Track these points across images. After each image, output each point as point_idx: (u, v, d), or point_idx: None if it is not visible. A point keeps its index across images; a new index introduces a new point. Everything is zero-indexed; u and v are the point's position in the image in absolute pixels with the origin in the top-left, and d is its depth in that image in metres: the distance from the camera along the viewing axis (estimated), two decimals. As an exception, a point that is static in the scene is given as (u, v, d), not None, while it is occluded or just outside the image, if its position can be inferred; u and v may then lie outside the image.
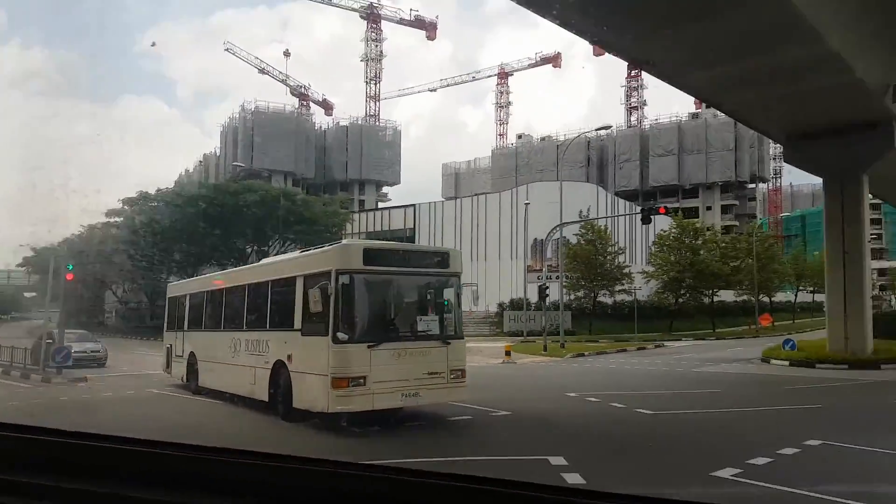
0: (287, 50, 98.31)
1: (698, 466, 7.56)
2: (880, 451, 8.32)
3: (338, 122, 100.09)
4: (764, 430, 9.70)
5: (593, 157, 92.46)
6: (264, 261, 17.42)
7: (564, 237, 43.58)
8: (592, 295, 38.82)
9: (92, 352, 22.18)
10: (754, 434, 9.37)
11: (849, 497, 6.08)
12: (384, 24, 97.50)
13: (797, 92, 16.56)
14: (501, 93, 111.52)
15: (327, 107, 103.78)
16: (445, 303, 11.02)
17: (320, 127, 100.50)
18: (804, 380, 16.66)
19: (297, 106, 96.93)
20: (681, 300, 40.22)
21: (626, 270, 38.56)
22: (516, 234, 51.67)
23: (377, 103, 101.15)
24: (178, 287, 19.11)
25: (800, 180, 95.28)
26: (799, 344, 21.89)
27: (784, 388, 15.41)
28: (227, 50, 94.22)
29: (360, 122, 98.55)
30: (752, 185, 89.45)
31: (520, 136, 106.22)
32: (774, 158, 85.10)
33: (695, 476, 7.02)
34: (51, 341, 19.31)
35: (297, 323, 10.60)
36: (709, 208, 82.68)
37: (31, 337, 24.59)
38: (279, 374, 10.86)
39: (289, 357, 10.60)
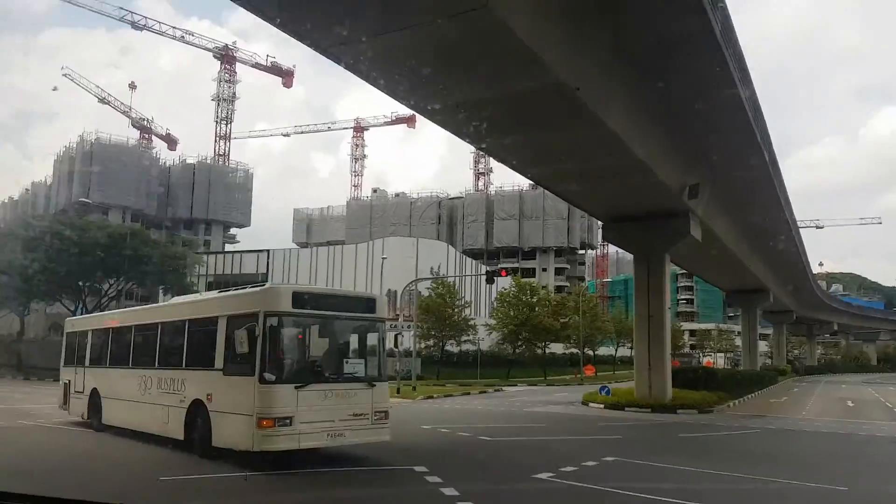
0: (133, 82, 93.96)
1: (524, 471, 10.29)
2: (658, 465, 11.33)
3: (184, 160, 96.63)
4: (574, 451, 12.48)
5: (444, 216, 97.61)
6: (178, 299, 17.36)
7: (418, 291, 46.44)
8: (441, 344, 41.59)
9: None
10: (567, 453, 12.06)
11: (630, 490, 8.74)
12: (238, 66, 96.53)
13: (613, 187, 20.59)
14: (357, 145, 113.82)
15: (171, 141, 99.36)
16: (370, 347, 11.31)
17: (164, 163, 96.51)
18: (613, 418, 20.21)
19: (138, 138, 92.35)
20: (517, 350, 44.35)
21: (472, 322, 42.06)
22: (371, 284, 53.47)
23: (227, 143, 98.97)
24: (80, 322, 18.48)
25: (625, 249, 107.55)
26: (613, 391, 25.79)
27: (595, 424, 18.71)
28: (65, 75, 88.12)
29: (208, 161, 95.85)
30: (582, 252, 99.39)
31: (375, 191, 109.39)
32: (601, 228, 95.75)
33: (521, 477, 9.48)
34: None
35: (219, 362, 10.62)
36: (544, 270, 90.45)
37: None
38: (196, 413, 10.80)
39: (208, 396, 10.61)
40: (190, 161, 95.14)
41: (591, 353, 52.78)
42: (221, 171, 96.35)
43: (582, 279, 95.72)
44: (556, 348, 49.32)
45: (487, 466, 11.12)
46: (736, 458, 12.55)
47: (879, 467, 12.78)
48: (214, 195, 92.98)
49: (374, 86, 13.99)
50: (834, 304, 75.12)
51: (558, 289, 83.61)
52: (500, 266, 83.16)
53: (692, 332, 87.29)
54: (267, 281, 56.57)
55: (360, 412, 10.34)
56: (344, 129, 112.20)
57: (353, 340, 11.40)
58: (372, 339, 11.37)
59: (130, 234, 40.94)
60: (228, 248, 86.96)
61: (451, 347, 42.30)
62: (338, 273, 56.98)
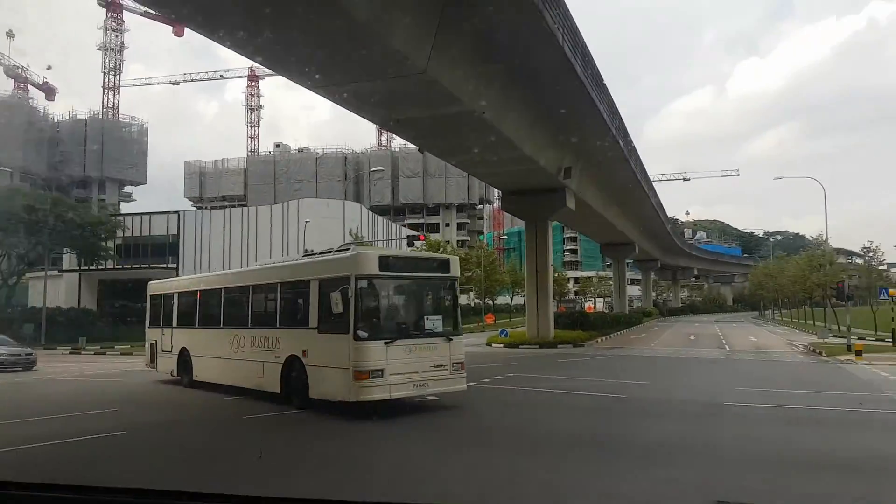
0: (11, 31, 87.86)
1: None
2: (540, 375, 17.25)
3: (75, 115, 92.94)
4: (487, 372, 18.02)
5: (350, 173, 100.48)
6: (268, 262, 18.44)
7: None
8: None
9: (26, 355, 23.50)
10: (482, 373, 17.50)
11: (524, 386, 14.35)
12: (126, 15, 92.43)
13: (510, 171, 26.03)
14: (252, 95, 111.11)
15: (49, 91, 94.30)
16: (446, 304, 12.30)
17: (52, 118, 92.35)
18: (511, 353, 26.34)
19: (12, 88, 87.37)
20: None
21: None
22: (288, 246, 56.44)
23: (116, 95, 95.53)
24: (164, 286, 19.07)
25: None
26: (510, 333, 31.95)
27: (498, 357, 24.59)
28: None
29: (100, 117, 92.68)
30: (481, 206, 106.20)
31: (277, 146, 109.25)
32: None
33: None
34: None
35: (313, 321, 11.51)
36: (447, 225, 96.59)
37: None
38: (292, 368, 11.78)
39: (304, 352, 11.53)
40: (81, 116, 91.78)
41: (490, 302, 59.39)
42: (114, 126, 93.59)
43: (481, 233, 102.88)
44: (461, 299, 55.51)
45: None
46: (589, 371, 18.77)
47: (682, 375, 19.30)
48: (108, 152, 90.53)
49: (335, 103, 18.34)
50: (694, 251, 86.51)
51: (460, 242, 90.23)
52: (406, 222, 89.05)
53: (576, 280, 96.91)
54: (179, 244, 58.06)
55: (440, 364, 11.39)
56: (238, 77, 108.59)
57: (432, 298, 12.43)
58: (447, 296, 12.38)
59: (53, 202, 42.04)
60: (134, 208, 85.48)
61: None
62: (253, 234, 59.12)
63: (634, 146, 32.78)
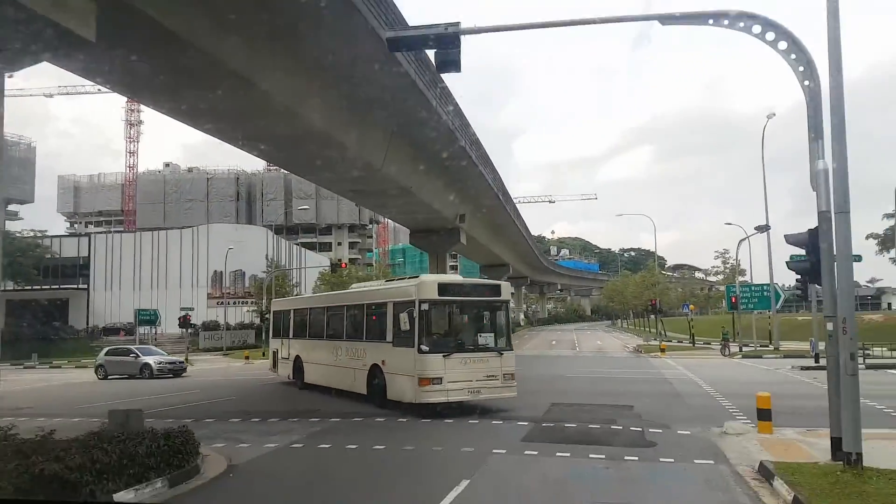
0: None
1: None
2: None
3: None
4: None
5: (242, 193, 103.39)
6: (357, 286, 20.73)
7: (253, 274, 55.99)
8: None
9: (179, 363, 27.62)
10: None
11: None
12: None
13: (418, 216, 34.12)
14: (131, 110, 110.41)
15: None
16: (498, 323, 13.92)
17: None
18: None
19: None
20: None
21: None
22: (198, 267, 60.43)
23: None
24: (283, 303, 22.94)
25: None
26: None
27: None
28: None
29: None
30: (370, 226, 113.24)
31: (167, 165, 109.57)
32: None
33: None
34: (136, 358, 26.05)
35: (389, 336, 13.65)
36: (339, 244, 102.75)
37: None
38: (374, 374, 14.00)
39: (382, 362, 13.74)
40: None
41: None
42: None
43: (370, 251, 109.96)
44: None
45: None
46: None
47: (542, 365, 28.10)
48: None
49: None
50: (557, 269, 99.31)
51: (351, 260, 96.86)
52: (299, 241, 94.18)
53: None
54: (90, 266, 60.17)
55: (492, 374, 13.08)
56: (115, 91, 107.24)
57: (485, 318, 14.11)
58: (499, 316, 14.08)
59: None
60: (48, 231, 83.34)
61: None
62: (163, 258, 62.22)
63: (510, 195, 42.24)
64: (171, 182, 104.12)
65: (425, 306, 12.75)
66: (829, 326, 7.83)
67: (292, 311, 20.55)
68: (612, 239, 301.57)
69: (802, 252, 9.18)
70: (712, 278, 68.86)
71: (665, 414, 12.93)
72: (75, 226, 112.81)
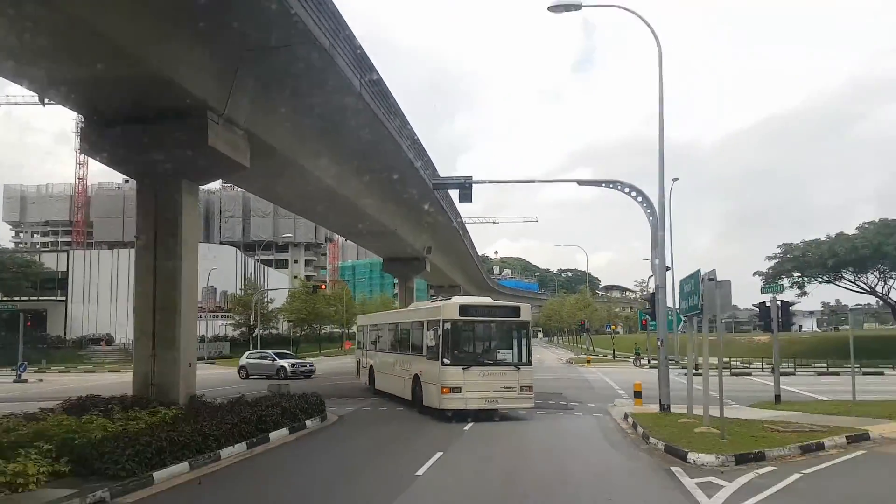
0: None
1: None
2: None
3: None
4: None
5: (200, 210, 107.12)
6: (411, 306, 23.41)
7: (224, 290, 61.36)
8: (250, 330, 57.70)
9: (309, 366, 32.13)
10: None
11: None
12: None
13: (389, 246, 40.89)
14: (80, 120, 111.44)
15: None
16: (516, 340, 15.34)
17: None
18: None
19: None
20: (303, 332, 62.57)
21: (276, 315, 58.84)
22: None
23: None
24: (363, 319, 27.01)
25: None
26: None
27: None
28: None
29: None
30: (324, 244, 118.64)
31: (126, 181, 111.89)
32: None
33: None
34: (272, 361, 31.31)
35: (425, 351, 15.49)
36: (296, 262, 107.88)
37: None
38: (416, 383, 16.02)
39: (420, 372, 15.74)
40: None
41: (348, 331, 73.04)
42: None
43: (324, 268, 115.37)
44: (327, 328, 68.67)
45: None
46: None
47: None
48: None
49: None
50: (500, 289, 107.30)
51: (308, 277, 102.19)
52: (257, 257, 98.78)
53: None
54: (68, 279, 63.75)
55: (510, 386, 14.57)
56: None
57: (504, 336, 15.57)
58: (518, 334, 15.42)
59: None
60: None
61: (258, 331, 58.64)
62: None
63: (466, 228, 49.71)
64: (130, 198, 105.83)
65: (448, 325, 14.65)
66: (659, 343, 15.37)
67: (367, 327, 23.86)
68: (550, 259, 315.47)
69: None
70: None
71: (581, 397, 20.42)
72: (20, 234, 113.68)
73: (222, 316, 62.62)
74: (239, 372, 33.36)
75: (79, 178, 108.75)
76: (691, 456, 10.00)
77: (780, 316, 17.28)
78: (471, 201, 15.64)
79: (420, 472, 9.44)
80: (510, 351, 15.33)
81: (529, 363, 15.24)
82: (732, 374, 30.75)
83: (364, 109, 17.55)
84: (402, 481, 8.83)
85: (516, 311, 15.70)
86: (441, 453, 10.79)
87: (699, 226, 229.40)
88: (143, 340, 14.73)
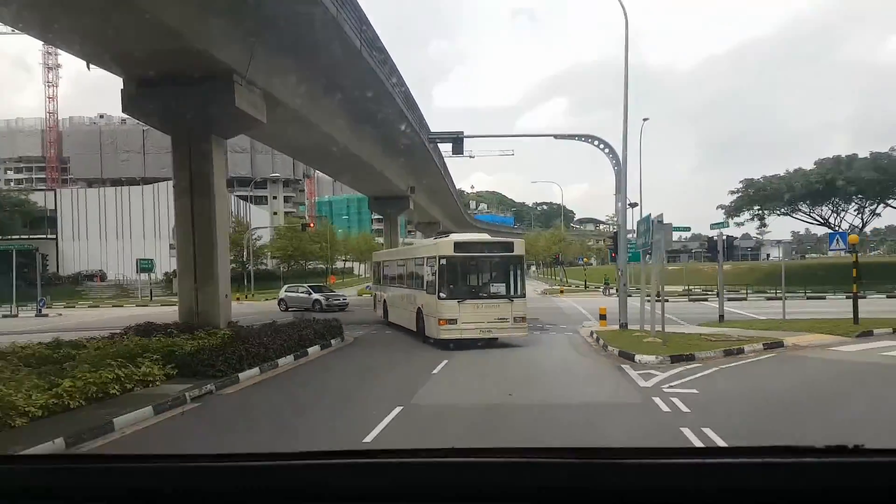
0: None
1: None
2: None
3: None
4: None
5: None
6: (415, 243, 25.41)
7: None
8: (242, 266, 60.20)
9: (343, 299, 32.91)
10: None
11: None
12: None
13: (377, 186, 43.31)
14: (49, 53, 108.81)
15: None
16: (510, 274, 16.20)
17: None
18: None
19: None
20: (291, 267, 65.19)
21: (265, 251, 61.19)
22: (159, 222, 66.69)
23: None
24: (377, 255, 28.19)
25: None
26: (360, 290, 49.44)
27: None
28: None
29: None
30: (302, 180, 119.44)
31: (101, 116, 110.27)
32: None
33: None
34: (308, 294, 32.57)
35: (425, 285, 16.64)
36: (275, 198, 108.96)
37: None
38: (419, 316, 17.07)
39: (422, 305, 16.83)
40: None
41: (331, 266, 75.92)
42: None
43: (303, 204, 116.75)
44: (314, 264, 71.30)
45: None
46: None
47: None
48: None
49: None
50: (477, 223, 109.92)
51: (287, 213, 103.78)
52: (235, 194, 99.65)
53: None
54: (58, 219, 65.03)
55: (503, 317, 15.45)
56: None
57: (498, 270, 16.46)
58: (512, 268, 16.31)
59: None
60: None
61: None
62: (126, 212, 67.89)
63: (448, 167, 52.11)
64: (107, 133, 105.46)
65: (444, 261, 15.51)
66: (618, 274, 18.47)
67: (381, 262, 25.15)
68: (526, 192, 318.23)
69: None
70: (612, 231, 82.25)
71: (555, 320, 23.71)
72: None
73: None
74: (279, 304, 34.66)
75: (49, 113, 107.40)
76: (638, 357, 13.23)
77: (724, 248, 20.51)
78: (462, 154, 18.09)
79: (435, 371, 12.58)
80: (503, 284, 16.18)
81: (523, 295, 15.98)
82: (690, 300, 34.45)
83: (367, 70, 19.75)
84: (424, 375, 12.05)
85: (509, 246, 16.72)
86: (447, 360, 13.84)
87: (672, 157, 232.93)
88: (187, 275, 17.26)
